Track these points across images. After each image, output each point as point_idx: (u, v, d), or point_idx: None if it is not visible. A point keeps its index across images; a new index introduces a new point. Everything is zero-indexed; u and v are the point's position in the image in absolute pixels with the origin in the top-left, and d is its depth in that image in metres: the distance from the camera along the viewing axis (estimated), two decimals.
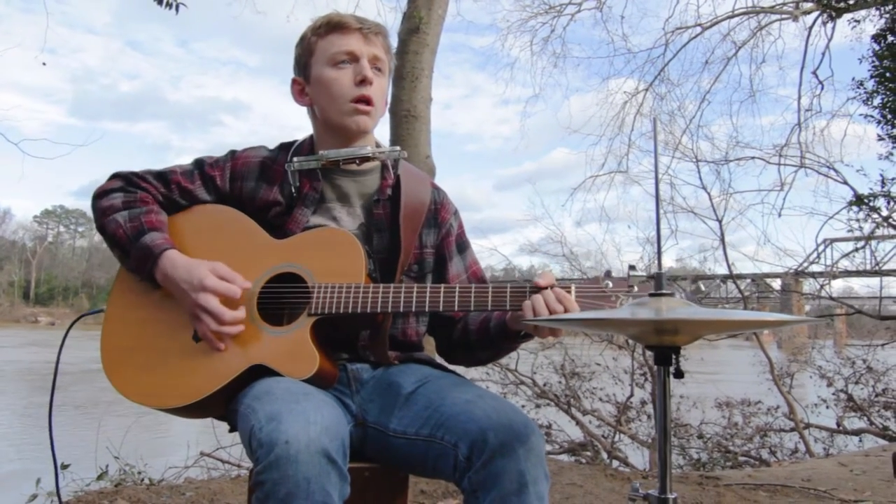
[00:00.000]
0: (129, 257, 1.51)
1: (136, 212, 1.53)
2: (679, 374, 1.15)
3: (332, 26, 1.58)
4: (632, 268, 1.36)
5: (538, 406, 7.38)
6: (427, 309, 1.42)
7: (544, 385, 7.53)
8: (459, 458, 1.29)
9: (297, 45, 1.65)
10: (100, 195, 1.59)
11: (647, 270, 1.35)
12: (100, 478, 3.86)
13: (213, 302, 1.41)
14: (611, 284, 1.35)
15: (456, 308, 1.41)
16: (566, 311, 1.33)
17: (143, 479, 3.97)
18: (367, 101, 1.56)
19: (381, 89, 1.61)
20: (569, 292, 1.36)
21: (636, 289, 1.33)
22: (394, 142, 4.79)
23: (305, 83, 1.64)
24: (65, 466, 3.72)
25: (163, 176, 1.61)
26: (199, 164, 1.64)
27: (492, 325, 1.54)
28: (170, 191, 1.60)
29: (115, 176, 1.62)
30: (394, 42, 5.25)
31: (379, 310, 1.41)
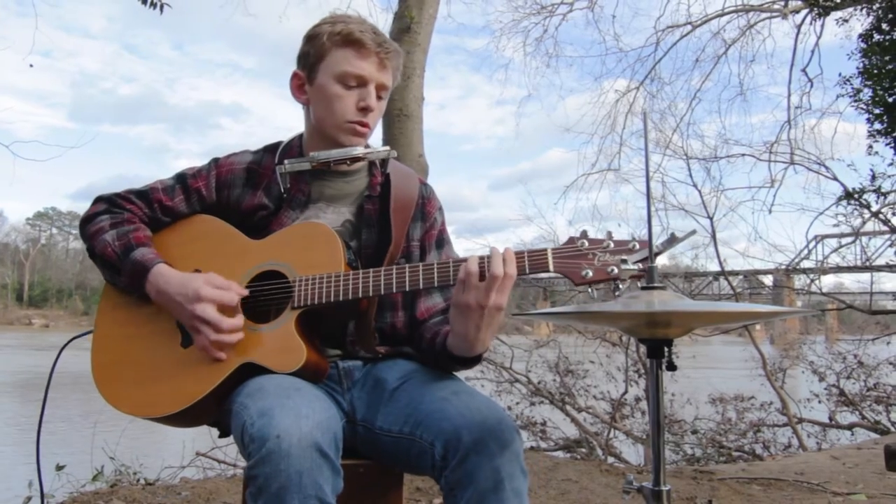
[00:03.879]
0: (120, 274, 1.51)
1: (123, 230, 1.54)
2: (671, 367, 1.17)
3: (351, 41, 1.53)
4: (609, 233, 1.36)
5: (533, 404, 7.40)
6: (408, 288, 1.40)
7: (539, 383, 7.55)
8: (436, 456, 1.29)
9: (308, 40, 1.59)
10: (87, 220, 1.59)
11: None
12: (95, 478, 3.85)
13: (210, 311, 1.40)
14: (586, 243, 1.33)
15: (436, 283, 1.39)
16: (506, 263, 1.31)
17: (138, 480, 3.96)
18: (364, 125, 1.56)
19: (380, 113, 1.62)
20: (545, 256, 1.35)
21: (612, 245, 1.32)
22: (386, 141, 4.80)
23: (307, 82, 1.61)
24: (60, 468, 3.73)
25: (144, 195, 1.60)
26: (181, 178, 1.63)
27: (437, 341, 1.50)
28: (152, 210, 1.60)
29: (99, 199, 1.62)
30: None
31: (361, 294, 1.41)
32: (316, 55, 1.58)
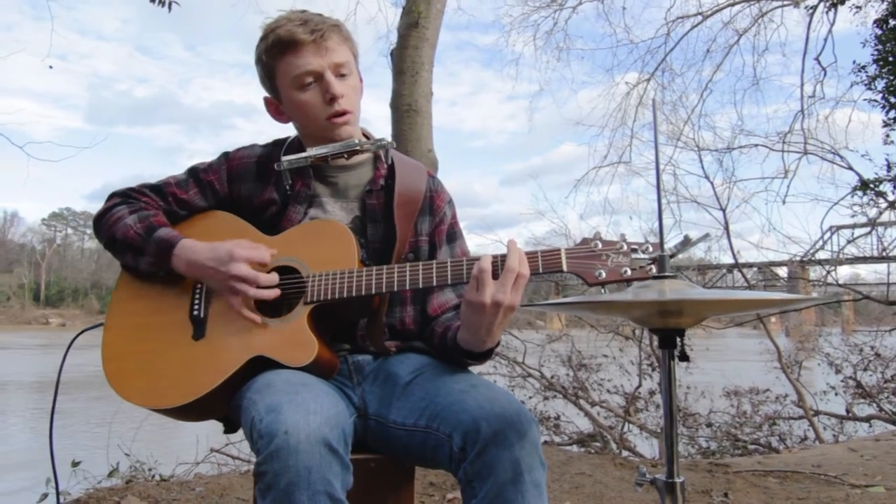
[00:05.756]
0: (143, 254, 1.51)
1: (143, 214, 1.55)
2: (684, 357, 1.15)
3: (284, 45, 1.51)
4: (623, 236, 1.35)
5: (546, 398, 7.39)
6: (421, 285, 1.40)
7: (552, 377, 7.53)
8: (454, 448, 1.29)
9: (256, 63, 1.60)
10: (103, 214, 1.60)
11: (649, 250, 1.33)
12: (111, 475, 3.89)
13: (246, 269, 1.42)
14: (600, 245, 1.33)
15: (450, 281, 1.39)
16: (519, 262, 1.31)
17: (153, 476, 4.00)
18: (342, 114, 1.54)
19: (353, 89, 1.58)
20: (558, 256, 1.35)
21: (625, 247, 1.31)
22: (395, 136, 4.80)
23: (279, 103, 1.62)
24: (76, 464, 3.77)
25: (158, 189, 1.61)
26: (193, 172, 1.64)
27: (448, 336, 1.50)
28: (167, 203, 1.61)
29: (114, 194, 1.63)
30: (393, 38, 5.26)
31: (374, 291, 1.41)
32: (268, 75, 1.59)
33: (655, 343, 6.45)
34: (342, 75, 1.55)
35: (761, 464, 4.10)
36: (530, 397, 7.41)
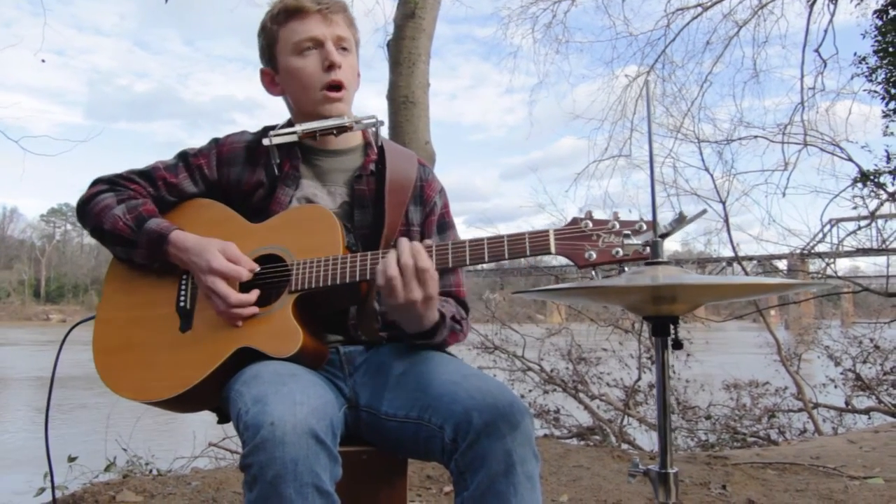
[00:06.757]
0: (136, 247, 1.50)
1: (132, 203, 1.53)
2: (678, 345, 1.13)
3: (290, 12, 1.54)
4: (616, 213, 1.30)
5: (546, 392, 7.39)
6: None
7: (552, 371, 7.53)
8: (446, 440, 1.27)
9: (259, 34, 1.61)
10: (87, 200, 1.58)
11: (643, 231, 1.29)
12: (107, 469, 3.88)
13: (221, 285, 1.41)
14: (590, 224, 1.27)
15: (434, 266, 1.36)
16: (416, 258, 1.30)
17: (150, 470, 3.99)
18: (338, 86, 1.53)
19: (351, 68, 1.58)
20: (546, 237, 1.30)
21: (617, 225, 1.25)
22: (392, 128, 4.76)
23: (274, 73, 1.61)
24: (72, 459, 3.76)
25: (147, 174, 1.60)
26: (182, 156, 1.62)
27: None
28: (157, 189, 1.59)
29: (98, 181, 1.61)
30: (390, 30, 5.22)
31: (358, 278, 1.38)
32: (269, 43, 1.59)
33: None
34: (343, 48, 1.56)
35: (760, 456, 4.09)
36: (530, 391, 7.41)
